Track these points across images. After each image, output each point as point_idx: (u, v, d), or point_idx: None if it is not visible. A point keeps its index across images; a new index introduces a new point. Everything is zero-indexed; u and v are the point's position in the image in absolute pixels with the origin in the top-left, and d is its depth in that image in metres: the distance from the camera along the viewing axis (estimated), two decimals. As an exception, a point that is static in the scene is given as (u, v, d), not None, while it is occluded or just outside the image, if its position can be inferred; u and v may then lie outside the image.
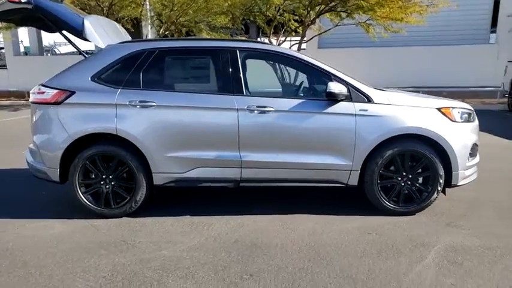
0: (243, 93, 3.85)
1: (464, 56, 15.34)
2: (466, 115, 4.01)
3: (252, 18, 14.10)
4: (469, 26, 15.84)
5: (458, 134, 3.88)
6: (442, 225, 3.76)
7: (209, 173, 3.91)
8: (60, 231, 3.72)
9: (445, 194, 4.03)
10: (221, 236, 3.58)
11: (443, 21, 14.79)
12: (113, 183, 3.93)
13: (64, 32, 4.23)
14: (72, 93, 3.85)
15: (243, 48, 3.98)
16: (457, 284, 2.79)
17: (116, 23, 4.77)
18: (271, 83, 4.29)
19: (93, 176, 3.98)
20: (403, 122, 3.79)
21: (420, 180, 3.93)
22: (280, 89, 4.36)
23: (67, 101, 3.84)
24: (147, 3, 13.49)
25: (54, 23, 4.06)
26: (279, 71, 4.38)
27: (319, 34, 13.71)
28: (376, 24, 12.77)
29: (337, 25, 13.31)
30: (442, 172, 3.85)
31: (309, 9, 12.59)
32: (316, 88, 4.11)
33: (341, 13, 12.79)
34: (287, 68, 4.23)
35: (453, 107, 3.96)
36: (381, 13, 11.99)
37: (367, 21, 12.91)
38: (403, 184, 3.91)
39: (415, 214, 3.97)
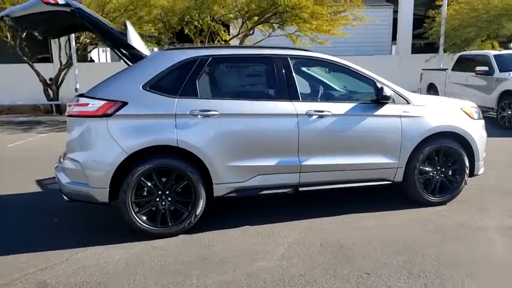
0: (299, 98, 3.91)
1: (375, 64, 17.05)
2: (477, 113, 4.60)
3: (180, 27, 13.83)
4: (376, 39, 17.79)
5: (477, 129, 4.45)
6: (475, 210, 4.25)
7: (269, 180, 3.86)
8: (124, 256, 3.34)
9: (466, 184, 4.54)
10: (301, 241, 3.57)
11: (358, 35, 16.30)
12: (169, 198, 3.65)
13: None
14: (125, 103, 3.50)
15: (294, 55, 4.04)
16: (537, 255, 3.25)
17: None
18: (318, 88, 4.39)
19: (145, 194, 3.64)
20: (439, 121, 4.21)
21: (450, 172, 4.40)
22: (329, 94, 4.48)
23: (118, 112, 3.48)
24: (70, 8, 12.40)
25: (95, 27, 3.66)
26: (324, 77, 4.51)
27: (256, 43, 14.05)
28: (304, 35, 13.61)
29: (269, 36, 13.81)
30: (468, 164, 4.36)
31: (245, 19, 12.87)
32: (362, 92, 4.32)
33: (274, 24, 13.35)
34: (332, 73, 4.39)
35: (471, 106, 4.53)
36: (311, 25, 12.85)
37: (295, 33, 13.69)
38: (437, 177, 4.33)
39: (446, 204, 4.41)
